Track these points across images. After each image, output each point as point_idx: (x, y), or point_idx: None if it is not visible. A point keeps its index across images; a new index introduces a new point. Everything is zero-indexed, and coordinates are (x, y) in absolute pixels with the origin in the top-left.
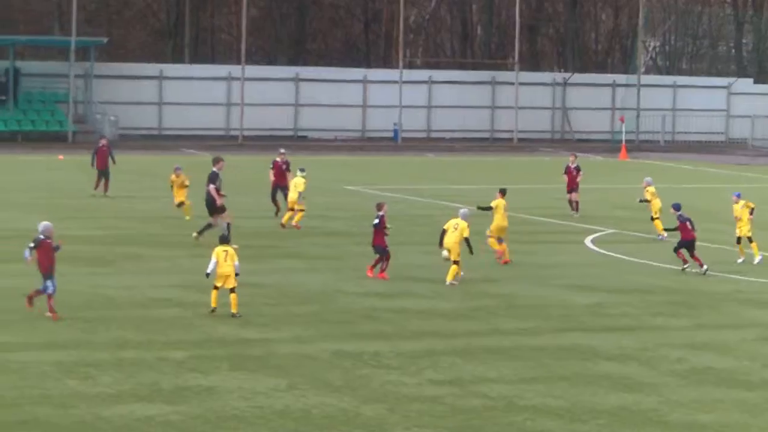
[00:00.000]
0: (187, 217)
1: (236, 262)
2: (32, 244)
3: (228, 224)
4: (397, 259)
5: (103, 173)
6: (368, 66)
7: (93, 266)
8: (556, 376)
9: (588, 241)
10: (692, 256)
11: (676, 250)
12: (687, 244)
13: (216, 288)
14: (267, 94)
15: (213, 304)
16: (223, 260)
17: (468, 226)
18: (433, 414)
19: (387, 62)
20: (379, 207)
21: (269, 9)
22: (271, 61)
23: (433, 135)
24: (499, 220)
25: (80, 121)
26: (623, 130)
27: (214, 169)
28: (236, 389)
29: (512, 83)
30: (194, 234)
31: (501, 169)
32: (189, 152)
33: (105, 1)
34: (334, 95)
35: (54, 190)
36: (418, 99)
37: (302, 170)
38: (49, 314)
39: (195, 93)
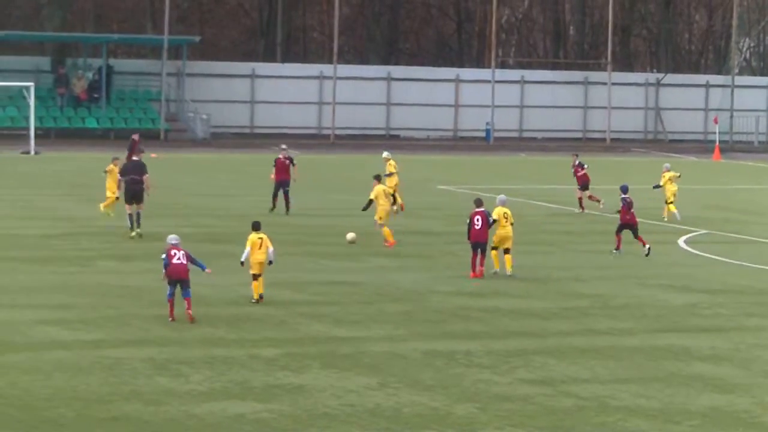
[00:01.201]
0: (111, 214)
1: (270, 249)
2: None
3: (139, 213)
4: (489, 258)
5: None
6: (461, 65)
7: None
8: (649, 377)
9: (681, 241)
10: (636, 237)
11: (616, 232)
12: (627, 227)
13: (255, 278)
14: (359, 93)
15: (255, 296)
16: (258, 248)
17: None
18: (524, 413)
19: (479, 62)
20: (479, 203)
21: (361, 8)
22: (363, 60)
23: (525, 135)
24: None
25: (172, 119)
26: (717, 131)
27: (135, 158)
28: (327, 387)
29: (605, 83)
30: (134, 233)
31: (593, 169)
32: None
33: (198, 0)
34: (427, 94)
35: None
36: (511, 99)
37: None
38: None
39: (287, 92)
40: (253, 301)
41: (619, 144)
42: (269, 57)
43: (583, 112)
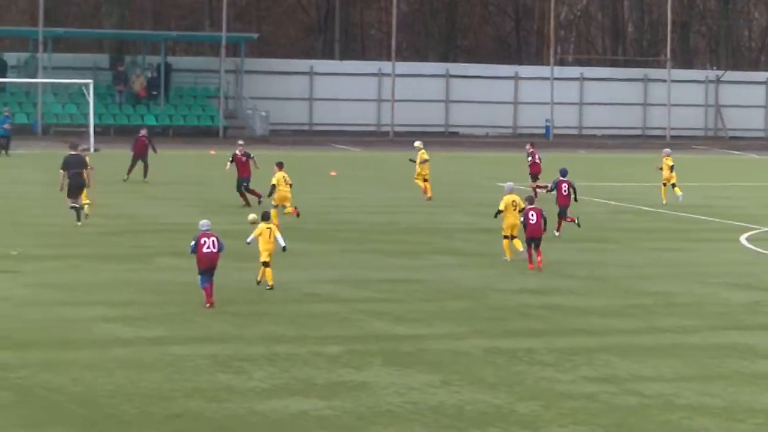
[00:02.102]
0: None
1: (278, 236)
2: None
3: (84, 205)
4: (550, 256)
5: (143, 160)
6: (519, 62)
7: (243, 261)
8: (713, 375)
9: (743, 238)
10: (564, 217)
11: (559, 216)
12: (561, 209)
13: (265, 265)
14: (418, 90)
15: (268, 281)
16: (268, 237)
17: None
18: (587, 411)
19: (538, 59)
20: (531, 200)
21: (419, 5)
22: (421, 58)
23: (585, 132)
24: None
25: (231, 116)
26: None
27: (75, 152)
28: (390, 385)
29: (664, 80)
30: (80, 223)
31: (653, 166)
32: (340, 148)
33: None
34: (485, 91)
35: (205, 184)
36: (570, 96)
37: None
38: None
39: (345, 89)
40: (258, 282)
41: (679, 141)
42: (327, 54)
43: (642, 109)
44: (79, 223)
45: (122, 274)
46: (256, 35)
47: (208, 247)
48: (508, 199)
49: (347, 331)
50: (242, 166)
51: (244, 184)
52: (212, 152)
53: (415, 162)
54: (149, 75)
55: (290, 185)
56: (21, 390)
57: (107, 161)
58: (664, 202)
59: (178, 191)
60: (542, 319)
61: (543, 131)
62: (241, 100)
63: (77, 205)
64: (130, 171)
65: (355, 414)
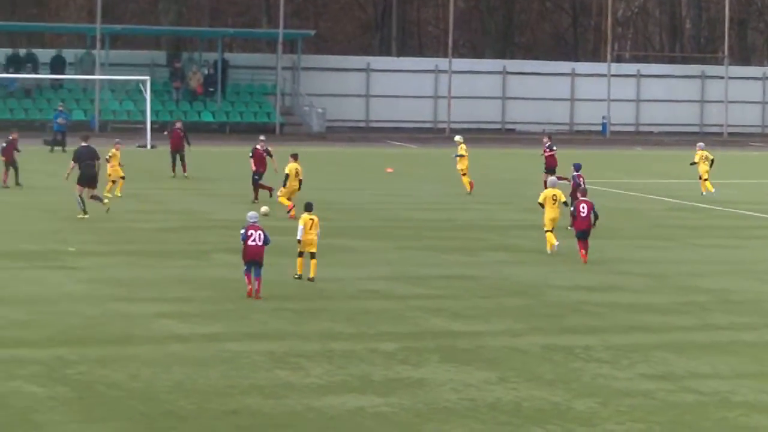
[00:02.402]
0: (119, 194)
1: (318, 231)
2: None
3: (94, 195)
4: (607, 253)
5: (179, 154)
6: (576, 59)
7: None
8: None
9: None
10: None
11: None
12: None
13: (300, 255)
14: (474, 86)
15: (299, 271)
16: (309, 228)
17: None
18: (644, 409)
19: (595, 56)
20: (583, 193)
21: (476, 1)
22: (478, 54)
23: (642, 129)
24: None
25: (288, 113)
26: None
27: (86, 144)
28: (447, 381)
29: (722, 77)
30: (85, 215)
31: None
32: (396, 144)
33: None
34: (542, 88)
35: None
36: (627, 92)
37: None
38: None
39: (402, 85)
40: (296, 276)
41: (737, 138)
42: (384, 51)
43: (699, 106)
44: (86, 216)
45: (179, 270)
46: (313, 32)
47: (254, 240)
48: (548, 192)
49: (404, 328)
50: (260, 160)
51: (256, 177)
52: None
53: (456, 157)
54: (206, 72)
55: (300, 180)
56: (80, 386)
57: (164, 158)
58: (703, 193)
59: (234, 188)
60: (599, 316)
61: (600, 128)
62: (297, 96)
63: (98, 196)
64: (173, 167)
65: (412, 411)
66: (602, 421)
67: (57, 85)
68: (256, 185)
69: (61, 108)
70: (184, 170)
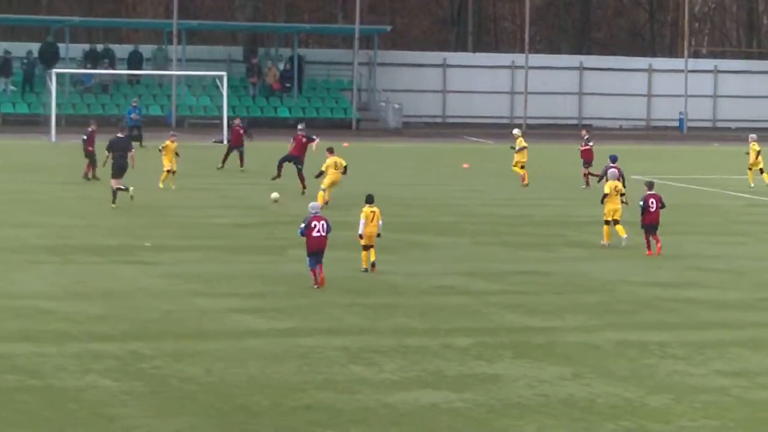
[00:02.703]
0: (173, 186)
1: (380, 222)
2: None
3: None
4: (684, 249)
5: (238, 150)
6: (653, 55)
7: (377, 253)
8: None
9: None
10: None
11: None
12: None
13: (365, 249)
14: (551, 82)
15: (364, 265)
16: (370, 220)
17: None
18: (719, 405)
19: (672, 51)
20: (651, 185)
21: None
22: (554, 50)
23: (719, 125)
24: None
25: (364, 108)
26: None
27: (122, 135)
28: (521, 377)
29: None
30: (114, 205)
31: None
32: (472, 140)
33: None
34: (619, 84)
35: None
36: (704, 88)
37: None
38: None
39: (478, 81)
40: (363, 270)
41: None
42: (461, 46)
43: None
44: (115, 205)
45: (254, 265)
46: (389, 27)
47: (318, 231)
48: (611, 184)
49: (478, 324)
50: (300, 146)
51: (293, 162)
52: (346, 144)
53: (515, 150)
54: (282, 67)
55: (345, 167)
56: (154, 380)
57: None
58: (751, 185)
59: (308, 184)
60: (674, 312)
61: (676, 124)
62: (374, 92)
63: (122, 188)
64: (224, 160)
65: (486, 406)
66: (676, 418)
67: (134, 80)
68: (299, 174)
69: (135, 104)
70: (242, 165)
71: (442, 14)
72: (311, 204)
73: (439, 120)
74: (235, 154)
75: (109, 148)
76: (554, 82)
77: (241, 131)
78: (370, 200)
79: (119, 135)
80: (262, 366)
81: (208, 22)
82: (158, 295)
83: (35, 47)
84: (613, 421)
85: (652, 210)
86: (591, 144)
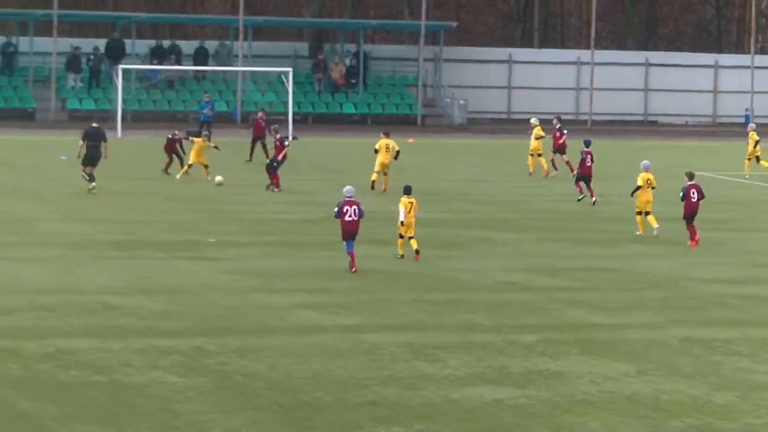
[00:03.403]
0: (208, 178)
1: (417, 213)
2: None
3: (92, 174)
4: (748, 246)
5: (261, 142)
6: (719, 51)
7: (442, 249)
8: None
9: None
10: (587, 188)
11: (575, 182)
12: (583, 178)
13: (401, 237)
14: (616, 78)
15: (400, 252)
16: (408, 211)
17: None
18: None
19: (738, 47)
20: (691, 176)
21: None
22: (620, 46)
23: None
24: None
25: (429, 104)
26: None
27: (96, 125)
28: (585, 374)
29: None
30: (92, 187)
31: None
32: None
33: None
34: (685, 80)
35: (402, 172)
36: None
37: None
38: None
39: (544, 77)
40: (398, 256)
41: None
42: (526, 42)
43: None
44: (92, 186)
45: (319, 261)
46: (454, 23)
47: (350, 216)
48: (644, 176)
49: (543, 320)
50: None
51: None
52: (410, 140)
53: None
54: (348, 63)
55: (397, 151)
56: (218, 376)
57: (305, 150)
58: (746, 176)
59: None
60: (739, 308)
61: (742, 120)
62: (439, 88)
63: (85, 176)
64: (251, 154)
65: (550, 403)
66: (741, 415)
67: (200, 76)
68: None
69: (207, 98)
70: (266, 156)
71: (508, 10)
72: (345, 188)
73: (504, 116)
74: (259, 146)
75: (84, 137)
76: (620, 78)
77: (263, 124)
78: (407, 191)
79: (93, 125)
80: (325, 362)
81: (274, 18)
82: (222, 291)
83: (101, 43)
84: (678, 419)
85: (693, 200)
86: (566, 132)
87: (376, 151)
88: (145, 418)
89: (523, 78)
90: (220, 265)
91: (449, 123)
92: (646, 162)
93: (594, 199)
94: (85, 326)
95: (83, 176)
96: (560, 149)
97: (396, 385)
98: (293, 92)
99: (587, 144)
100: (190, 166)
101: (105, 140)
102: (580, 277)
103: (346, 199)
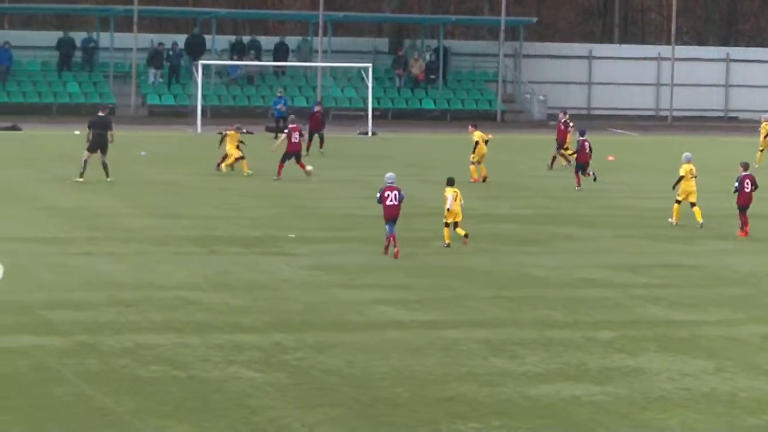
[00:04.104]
0: (247, 171)
1: (462, 202)
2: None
3: (105, 163)
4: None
5: (319, 135)
6: None
7: (521, 245)
8: None
9: None
10: (584, 173)
11: (575, 171)
12: (582, 165)
13: (447, 225)
14: (697, 74)
15: (446, 240)
16: (454, 200)
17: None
18: None
19: None
20: (747, 166)
21: None
22: (701, 42)
23: None
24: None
25: (509, 100)
26: None
27: (102, 114)
28: (663, 371)
29: None
30: (82, 179)
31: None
32: (618, 132)
33: None
34: (766, 76)
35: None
36: None
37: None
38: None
39: (624, 73)
40: (445, 245)
41: None
42: (606, 38)
43: None
44: (82, 179)
45: (399, 257)
46: (534, 19)
47: (391, 201)
48: (687, 167)
49: (621, 317)
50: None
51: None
52: (490, 136)
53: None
54: (428, 58)
55: (486, 141)
56: (296, 371)
57: (384, 145)
58: (756, 166)
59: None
60: None
61: None
62: (519, 84)
63: (103, 161)
64: (308, 146)
65: (628, 399)
66: None
67: (280, 72)
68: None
69: (280, 94)
70: (321, 146)
71: (589, 5)
72: (387, 175)
73: (584, 112)
74: (315, 138)
75: (90, 126)
76: (700, 74)
77: (320, 117)
78: (451, 182)
79: (100, 114)
80: (403, 358)
81: (354, 14)
82: (301, 287)
83: (181, 39)
84: (756, 416)
85: (747, 190)
86: (571, 126)
87: (477, 143)
88: (222, 413)
89: (603, 74)
90: (299, 261)
91: (529, 119)
92: (687, 154)
93: (594, 176)
94: (164, 321)
95: (82, 164)
96: (561, 142)
97: (473, 381)
98: (373, 88)
99: (582, 133)
100: (237, 159)
101: (111, 128)
102: (659, 274)
103: (388, 184)
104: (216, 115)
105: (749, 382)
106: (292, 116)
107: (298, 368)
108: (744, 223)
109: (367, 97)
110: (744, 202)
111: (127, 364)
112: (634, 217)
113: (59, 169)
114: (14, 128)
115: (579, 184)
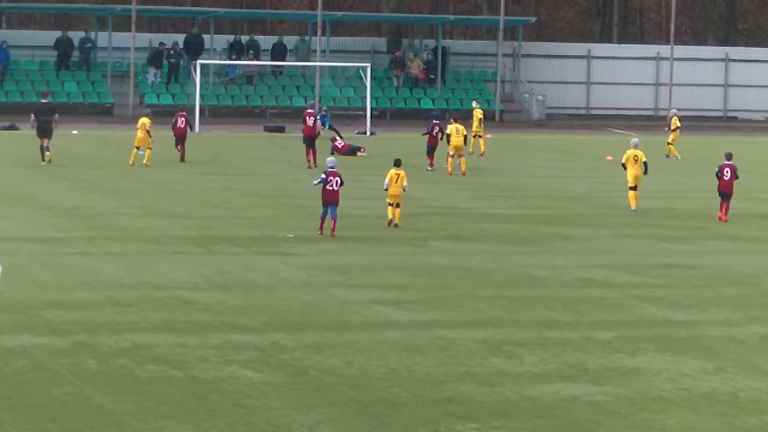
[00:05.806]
0: (147, 163)
1: (405, 183)
2: (317, 181)
3: (47, 146)
4: None
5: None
6: None
7: (519, 245)
8: None
9: None
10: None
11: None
12: (431, 148)
13: (390, 205)
14: (696, 74)
15: (389, 216)
16: (395, 182)
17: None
18: None
19: None
20: (729, 156)
21: None
22: (700, 41)
23: None
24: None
25: (508, 100)
26: None
27: (45, 101)
28: (662, 371)
29: None
30: (44, 162)
31: None
32: (616, 132)
33: None
34: (765, 76)
35: (482, 168)
36: None
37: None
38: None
39: (623, 73)
40: (388, 222)
41: None
42: (605, 38)
43: None
44: (44, 163)
45: (396, 257)
46: (533, 19)
47: (331, 186)
48: (630, 153)
49: (620, 317)
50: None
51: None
52: (488, 136)
53: None
54: (425, 58)
55: (464, 136)
56: (295, 371)
57: (383, 144)
58: None
59: (455, 175)
60: None
61: None
62: (517, 83)
63: (45, 146)
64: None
65: (627, 399)
66: None
67: (278, 71)
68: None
69: (324, 112)
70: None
71: (588, 5)
72: (329, 159)
73: (582, 112)
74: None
75: (35, 113)
76: (699, 73)
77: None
78: (397, 164)
79: (43, 101)
80: (402, 358)
81: (353, 14)
82: (299, 287)
83: (180, 38)
84: (756, 416)
85: (726, 178)
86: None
87: (448, 136)
88: (220, 413)
89: (602, 73)
90: (298, 261)
91: (527, 119)
92: (635, 140)
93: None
94: (162, 321)
95: (39, 150)
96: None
97: (472, 381)
98: (371, 87)
99: (437, 117)
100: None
101: (54, 114)
102: (658, 274)
103: (329, 169)
104: (214, 114)
105: (748, 383)
106: (311, 101)
107: (296, 368)
108: (725, 210)
109: (365, 97)
110: (724, 189)
111: (126, 364)
112: (633, 217)
113: (57, 168)
114: (12, 128)
115: (431, 165)
